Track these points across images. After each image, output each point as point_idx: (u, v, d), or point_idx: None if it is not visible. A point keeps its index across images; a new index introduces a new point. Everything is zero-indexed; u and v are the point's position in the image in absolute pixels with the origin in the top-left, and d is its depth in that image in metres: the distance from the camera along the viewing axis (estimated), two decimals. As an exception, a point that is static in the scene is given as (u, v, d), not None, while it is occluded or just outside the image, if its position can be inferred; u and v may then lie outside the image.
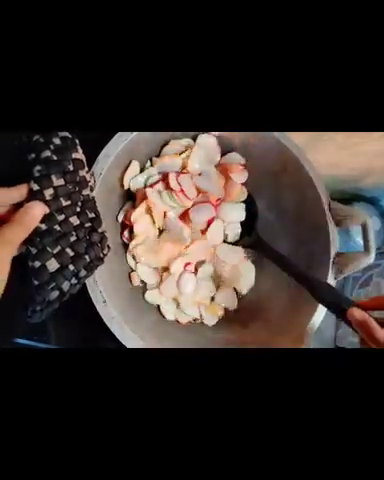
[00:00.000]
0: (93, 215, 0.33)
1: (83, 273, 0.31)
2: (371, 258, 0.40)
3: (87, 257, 0.31)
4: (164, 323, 0.42)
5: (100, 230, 0.33)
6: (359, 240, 0.53)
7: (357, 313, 0.32)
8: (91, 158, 0.36)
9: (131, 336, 0.34)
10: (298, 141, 0.44)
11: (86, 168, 0.33)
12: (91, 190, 0.34)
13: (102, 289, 0.34)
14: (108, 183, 0.37)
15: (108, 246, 0.34)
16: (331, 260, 0.41)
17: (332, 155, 0.53)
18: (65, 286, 0.30)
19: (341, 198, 0.44)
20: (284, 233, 0.47)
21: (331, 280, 0.41)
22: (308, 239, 0.45)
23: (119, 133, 0.37)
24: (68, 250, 0.30)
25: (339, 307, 0.34)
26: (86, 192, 0.33)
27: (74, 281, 0.31)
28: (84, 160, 0.33)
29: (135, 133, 0.38)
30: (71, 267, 0.30)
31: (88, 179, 0.33)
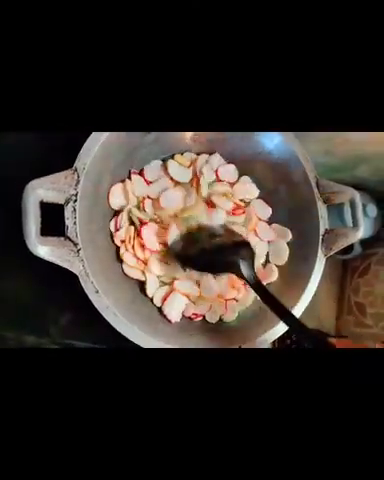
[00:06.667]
0: None
1: None
2: (359, 233, 0.40)
3: None
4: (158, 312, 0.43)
5: None
6: (349, 217, 0.53)
7: None
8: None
9: (126, 324, 0.35)
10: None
11: None
12: None
13: (93, 280, 0.34)
14: (93, 177, 0.37)
15: None
16: (320, 237, 0.41)
17: (324, 143, 0.52)
18: None
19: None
20: (273, 212, 0.48)
21: (321, 257, 0.41)
22: (297, 217, 0.45)
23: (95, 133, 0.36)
24: None
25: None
26: None
27: None
28: None
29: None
30: None
31: None
